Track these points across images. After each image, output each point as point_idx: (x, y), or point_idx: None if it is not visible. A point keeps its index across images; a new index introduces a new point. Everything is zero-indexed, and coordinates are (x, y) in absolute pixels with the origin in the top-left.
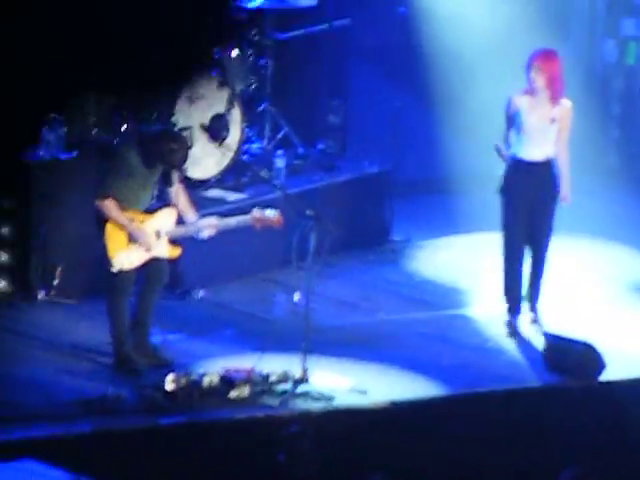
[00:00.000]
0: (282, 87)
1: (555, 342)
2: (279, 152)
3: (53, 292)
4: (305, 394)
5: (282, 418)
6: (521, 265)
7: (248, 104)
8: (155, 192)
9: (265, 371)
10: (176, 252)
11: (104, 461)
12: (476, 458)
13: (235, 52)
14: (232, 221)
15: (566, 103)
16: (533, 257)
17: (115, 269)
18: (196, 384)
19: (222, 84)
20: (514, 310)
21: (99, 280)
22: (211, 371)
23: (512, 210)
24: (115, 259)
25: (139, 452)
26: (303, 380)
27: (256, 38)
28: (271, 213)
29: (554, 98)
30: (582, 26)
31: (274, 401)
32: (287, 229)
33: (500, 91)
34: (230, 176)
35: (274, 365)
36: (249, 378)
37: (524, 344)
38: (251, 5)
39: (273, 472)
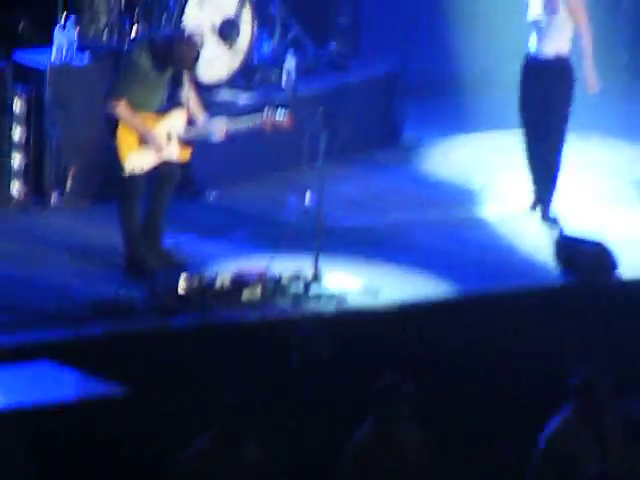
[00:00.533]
0: None
1: (567, 241)
2: (289, 53)
3: (66, 195)
4: (317, 295)
5: (294, 319)
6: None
7: (258, 5)
8: (166, 94)
9: (277, 272)
10: (187, 154)
11: (116, 362)
12: (488, 358)
13: None
14: (242, 122)
15: None
16: (547, 153)
17: (127, 172)
18: (208, 285)
19: None
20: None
21: (111, 183)
22: (223, 272)
23: (525, 107)
24: (126, 162)
25: (151, 354)
26: (315, 281)
27: None
28: (281, 115)
29: None
30: None
31: (286, 302)
32: (298, 130)
33: None
34: (241, 78)
35: (286, 266)
36: (261, 279)
37: (537, 243)
38: None
39: (287, 374)
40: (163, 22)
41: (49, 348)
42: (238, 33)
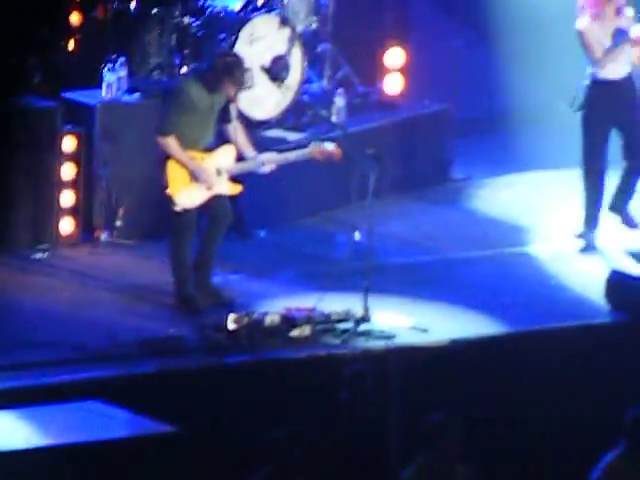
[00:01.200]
0: (343, 26)
1: (620, 278)
2: (339, 91)
3: (116, 233)
4: (366, 333)
5: (344, 357)
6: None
7: (308, 43)
8: (214, 132)
9: (326, 310)
10: (237, 189)
11: (167, 401)
12: (539, 397)
13: None
14: (291, 155)
15: (629, 12)
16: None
17: (178, 208)
18: (258, 323)
19: (283, 23)
20: (591, 225)
21: (160, 221)
22: (273, 310)
23: (593, 130)
24: (177, 198)
25: (202, 392)
26: (364, 319)
27: None
28: (329, 145)
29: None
30: None
31: (336, 340)
32: (347, 168)
33: (561, 26)
34: (291, 116)
35: (335, 304)
36: (310, 317)
37: (589, 281)
38: None
39: (336, 410)
40: None
41: (99, 386)
42: (288, 72)
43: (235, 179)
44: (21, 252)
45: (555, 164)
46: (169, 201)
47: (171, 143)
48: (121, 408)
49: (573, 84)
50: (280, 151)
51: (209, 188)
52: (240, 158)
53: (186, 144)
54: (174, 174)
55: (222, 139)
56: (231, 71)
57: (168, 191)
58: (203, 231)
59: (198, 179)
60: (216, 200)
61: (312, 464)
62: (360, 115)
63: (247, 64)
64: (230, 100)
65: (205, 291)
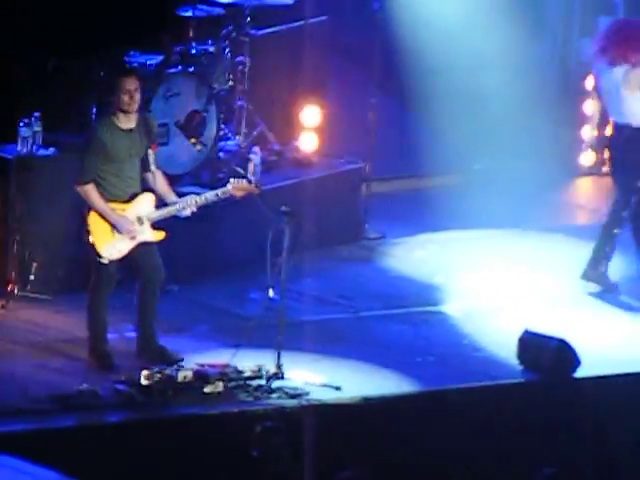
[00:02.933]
0: (259, 84)
1: (530, 338)
2: (255, 149)
3: (29, 287)
4: (279, 390)
5: (256, 413)
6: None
7: (225, 100)
8: (139, 182)
9: (240, 366)
10: (160, 235)
11: (78, 456)
12: (448, 454)
13: (212, 48)
14: (211, 195)
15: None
16: None
17: (105, 260)
18: (171, 379)
19: (200, 81)
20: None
21: (73, 276)
22: (186, 366)
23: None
24: (103, 250)
25: (114, 447)
26: (277, 376)
27: (233, 34)
28: (247, 182)
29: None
30: (557, 24)
31: (248, 396)
32: (262, 225)
33: (474, 88)
34: (206, 172)
35: (248, 361)
36: (223, 373)
37: (499, 341)
38: (227, 1)
39: (247, 467)
40: None
41: (9, 441)
42: (204, 128)
43: (157, 225)
44: None
45: (468, 224)
46: (93, 254)
47: (89, 191)
48: (31, 463)
49: (487, 145)
50: (198, 193)
51: (133, 238)
52: (161, 204)
53: (108, 196)
54: (96, 226)
55: (142, 188)
56: (113, 82)
57: (92, 244)
58: (138, 293)
59: (120, 230)
60: (145, 259)
61: None
62: (275, 173)
63: (164, 120)
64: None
65: (151, 351)
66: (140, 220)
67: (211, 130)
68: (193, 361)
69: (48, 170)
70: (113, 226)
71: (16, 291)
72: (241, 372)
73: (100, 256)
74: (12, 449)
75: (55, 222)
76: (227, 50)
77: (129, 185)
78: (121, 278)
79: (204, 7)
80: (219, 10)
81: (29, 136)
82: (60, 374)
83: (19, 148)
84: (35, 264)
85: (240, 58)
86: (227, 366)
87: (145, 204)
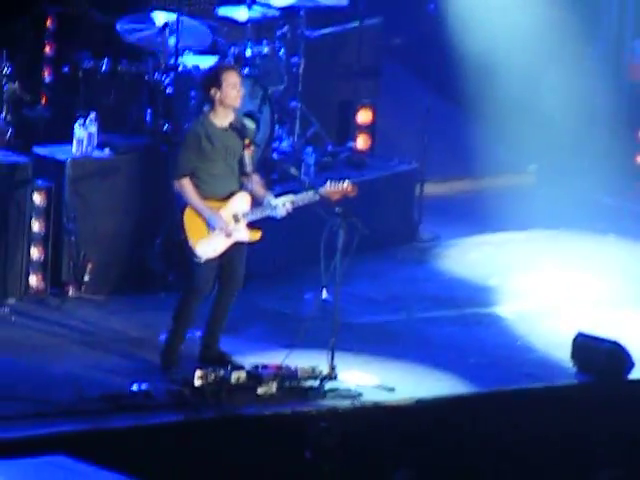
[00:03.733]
0: (313, 85)
1: (584, 340)
2: (308, 149)
3: (84, 288)
4: (332, 391)
5: (309, 414)
6: None
7: (279, 101)
8: (231, 180)
9: (293, 367)
10: (257, 235)
11: (133, 456)
12: (502, 456)
13: (267, 50)
14: (306, 196)
15: None
16: None
17: (200, 259)
18: (224, 380)
19: (254, 82)
20: None
21: (129, 277)
22: (239, 367)
23: None
24: (199, 248)
25: (167, 447)
26: (331, 377)
27: (288, 36)
28: (344, 183)
29: None
30: (612, 25)
31: (302, 397)
32: (315, 226)
33: (528, 89)
34: (260, 173)
35: (302, 362)
36: (277, 375)
37: (553, 343)
38: (283, 3)
39: (300, 468)
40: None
41: (65, 441)
42: (258, 129)
43: (254, 224)
44: None
45: (523, 225)
46: (188, 252)
47: (185, 186)
48: (86, 463)
49: (542, 146)
50: (295, 193)
51: (228, 235)
52: (256, 203)
53: (204, 194)
54: (191, 224)
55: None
56: (214, 77)
57: (187, 241)
58: (217, 294)
59: (213, 227)
60: (234, 262)
61: None
62: (329, 173)
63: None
64: (230, 107)
65: (212, 351)
66: (236, 218)
67: (265, 131)
68: (247, 362)
69: (103, 171)
70: (207, 223)
71: (71, 292)
72: (294, 373)
73: (195, 255)
74: (66, 449)
75: (110, 223)
76: (282, 51)
77: (225, 184)
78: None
79: (259, 9)
80: (274, 12)
81: (84, 137)
82: (114, 374)
83: (74, 150)
84: (90, 265)
85: (294, 59)
86: (280, 367)
87: (241, 203)
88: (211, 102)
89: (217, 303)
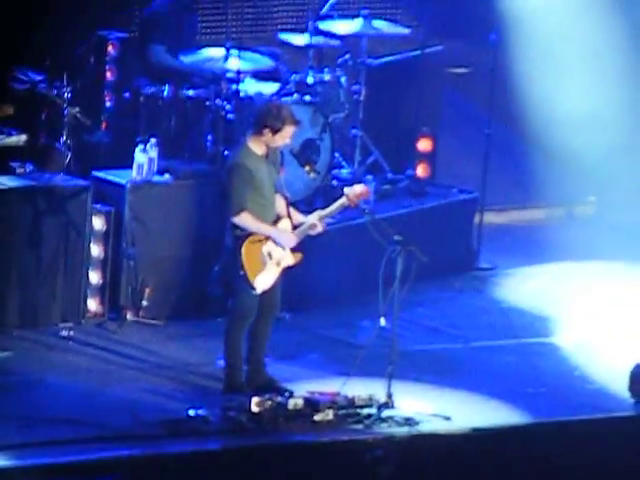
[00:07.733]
0: (373, 113)
1: None
2: (368, 177)
3: (142, 312)
4: (389, 419)
5: (366, 442)
6: None
7: (339, 129)
8: (273, 207)
9: (350, 395)
10: (299, 257)
11: None
12: None
13: (328, 77)
14: (333, 208)
15: None
16: None
17: (258, 292)
18: (281, 406)
19: (315, 110)
20: None
21: (186, 302)
22: (296, 394)
23: None
24: (256, 282)
25: (223, 474)
26: (388, 405)
27: (349, 63)
28: (359, 187)
29: None
30: None
31: (358, 425)
32: (374, 254)
33: (590, 116)
34: (319, 198)
35: (359, 389)
36: (334, 402)
37: (611, 373)
38: (345, 32)
39: None
40: None
41: (122, 466)
42: (318, 156)
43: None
44: (48, 328)
45: (581, 256)
46: (246, 286)
47: (246, 218)
48: None
49: (603, 176)
50: (322, 208)
51: (278, 264)
52: (294, 227)
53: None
54: (249, 258)
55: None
56: (275, 120)
57: (245, 276)
58: (255, 321)
59: (284, 244)
60: (270, 290)
61: None
62: (389, 201)
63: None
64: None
65: (259, 375)
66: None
67: (325, 158)
68: (304, 389)
69: (163, 197)
70: (275, 239)
71: (129, 316)
72: (351, 400)
73: (253, 288)
74: (124, 474)
75: (168, 248)
76: (343, 79)
77: (270, 210)
78: None
79: (321, 38)
80: (336, 41)
81: (144, 162)
82: (171, 399)
83: (134, 174)
84: (148, 290)
85: (356, 87)
86: (337, 394)
87: (286, 228)
88: (256, 134)
89: (260, 328)
